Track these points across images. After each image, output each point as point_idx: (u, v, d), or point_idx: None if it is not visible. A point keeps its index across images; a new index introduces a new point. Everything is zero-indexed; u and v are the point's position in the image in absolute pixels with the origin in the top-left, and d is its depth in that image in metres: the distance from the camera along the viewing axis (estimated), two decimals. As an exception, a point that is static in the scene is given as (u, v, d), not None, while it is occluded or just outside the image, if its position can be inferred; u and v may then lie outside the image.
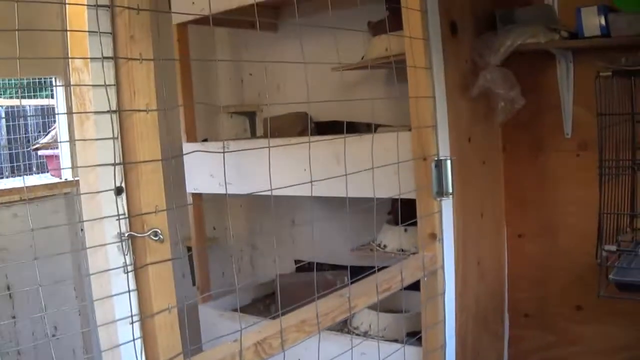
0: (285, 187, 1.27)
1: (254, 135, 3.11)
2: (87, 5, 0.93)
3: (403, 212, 2.08)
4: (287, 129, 2.59)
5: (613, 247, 1.80)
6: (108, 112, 0.94)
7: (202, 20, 2.63)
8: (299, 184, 1.34)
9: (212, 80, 3.22)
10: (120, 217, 0.96)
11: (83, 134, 0.95)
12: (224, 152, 1.11)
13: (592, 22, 1.91)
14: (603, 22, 1.90)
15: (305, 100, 2.79)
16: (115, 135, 0.96)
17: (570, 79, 2.15)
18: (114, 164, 0.95)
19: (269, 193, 1.29)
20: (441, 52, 1.87)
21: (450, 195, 1.86)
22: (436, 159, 1.84)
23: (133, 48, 0.98)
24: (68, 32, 0.94)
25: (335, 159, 2.07)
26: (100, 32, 0.94)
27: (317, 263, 2.92)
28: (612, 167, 1.83)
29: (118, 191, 0.96)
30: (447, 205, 1.92)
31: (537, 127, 2.28)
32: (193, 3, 2.36)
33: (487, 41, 2.05)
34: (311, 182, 1.31)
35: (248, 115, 3.15)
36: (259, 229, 3.25)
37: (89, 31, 0.93)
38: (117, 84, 0.97)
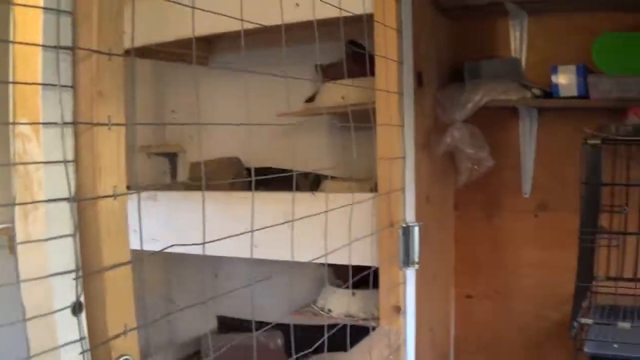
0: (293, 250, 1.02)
1: (174, 178, 2.81)
2: (44, 45, 0.65)
3: (344, 271, 1.88)
4: (219, 176, 2.33)
5: (589, 321, 1.68)
6: (67, 199, 0.66)
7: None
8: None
9: (129, 117, 2.88)
10: (81, 343, 0.67)
11: (28, 231, 0.66)
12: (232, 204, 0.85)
13: (570, 81, 1.81)
14: (581, 82, 1.80)
15: (236, 144, 2.57)
16: (74, 232, 0.67)
17: (533, 137, 2.04)
18: (76, 273, 0.66)
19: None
20: (412, 107, 1.69)
21: (417, 265, 1.67)
22: (404, 225, 1.65)
23: (100, 109, 0.71)
24: (12, 81, 0.65)
25: (283, 217, 1.82)
26: (60, 86, 0.66)
27: (242, 321, 2.66)
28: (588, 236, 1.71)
29: (77, 308, 0.67)
30: (411, 275, 1.74)
31: (493, 185, 2.16)
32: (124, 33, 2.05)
33: (452, 95, 1.91)
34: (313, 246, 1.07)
35: (169, 156, 2.84)
36: (177, 282, 2.93)
37: (43, 84, 0.65)
38: (77, 160, 0.69)
